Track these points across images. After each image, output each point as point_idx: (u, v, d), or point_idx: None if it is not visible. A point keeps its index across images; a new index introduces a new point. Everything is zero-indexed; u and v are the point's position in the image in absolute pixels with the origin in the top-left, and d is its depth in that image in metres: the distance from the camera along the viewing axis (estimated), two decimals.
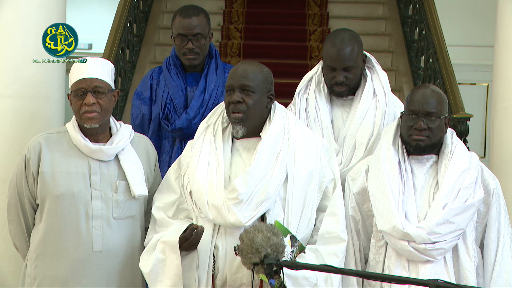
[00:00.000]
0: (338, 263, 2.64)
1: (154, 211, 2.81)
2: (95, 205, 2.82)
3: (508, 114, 4.16)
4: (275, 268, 2.32)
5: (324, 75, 3.13)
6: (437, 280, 2.08)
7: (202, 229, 2.59)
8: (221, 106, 2.78)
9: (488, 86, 7.86)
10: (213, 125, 2.76)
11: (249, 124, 2.68)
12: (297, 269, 2.46)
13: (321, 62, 3.18)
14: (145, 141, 3.04)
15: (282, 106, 2.82)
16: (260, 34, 7.00)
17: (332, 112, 3.14)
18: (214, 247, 2.63)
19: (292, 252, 2.61)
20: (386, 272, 2.73)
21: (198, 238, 2.59)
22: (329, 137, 3.05)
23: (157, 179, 3.04)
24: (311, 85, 3.18)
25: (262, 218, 2.63)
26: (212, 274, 2.63)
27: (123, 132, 2.91)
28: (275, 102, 2.77)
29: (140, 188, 2.87)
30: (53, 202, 2.81)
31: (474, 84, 8.15)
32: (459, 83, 5.56)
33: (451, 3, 7.76)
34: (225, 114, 2.75)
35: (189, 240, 2.59)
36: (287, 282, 2.52)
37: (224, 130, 2.76)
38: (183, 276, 2.61)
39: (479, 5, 7.75)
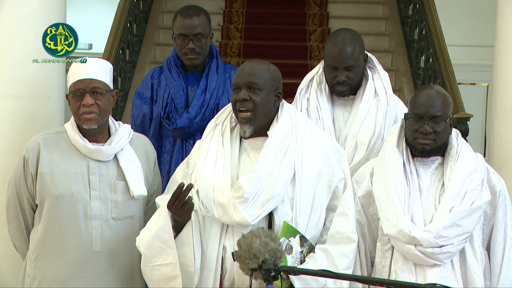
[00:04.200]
0: (348, 263, 2.63)
1: (158, 200, 2.77)
2: (94, 206, 2.81)
3: (508, 114, 4.16)
4: (273, 274, 2.31)
5: (326, 75, 3.13)
6: (435, 284, 2.07)
7: (191, 186, 2.54)
8: (230, 106, 2.76)
9: (488, 86, 7.86)
10: (221, 124, 2.75)
11: (256, 123, 2.65)
12: (295, 274, 2.45)
13: (322, 62, 3.18)
14: (144, 141, 3.03)
15: (290, 105, 2.80)
16: (260, 34, 7.01)
17: (333, 111, 3.14)
18: (222, 248, 2.62)
19: (301, 252, 2.60)
20: (393, 276, 2.71)
21: (185, 195, 2.53)
22: (331, 137, 3.05)
23: (156, 179, 3.04)
24: (312, 85, 3.18)
25: (270, 216, 2.61)
26: (220, 275, 2.62)
27: (122, 132, 2.91)
28: (283, 101, 2.75)
29: (139, 188, 2.87)
30: (52, 202, 2.81)
31: (474, 84, 8.16)
32: (459, 83, 5.57)
33: (451, 3, 7.76)
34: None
35: (179, 198, 2.52)
36: (296, 283, 2.52)
37: (232, 129, 2.74)
38: (179, 252, 2.58)
39: (479, 5, 7.76)
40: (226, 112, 2.78)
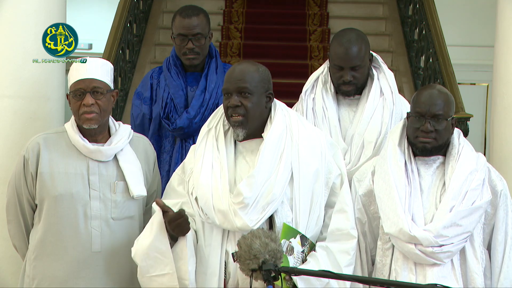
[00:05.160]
0: (349, 260, 2.63)
1: (155, 206, 2.75)
2: (93, 206, 2.81)
3: (508, 114, 4.16)
4: (274, 274, 2.31)
5: (331, 75, 3.13)
6: (436, 284, 2.07)
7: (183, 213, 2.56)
8: (221, 108, 2.75)
9: (488, 86, 7.86)
10: (215, 128, 2.73)
11: (249, 127, 2.64)
12: (295, 275, 2.45)
13: (327, 61, 3.18)
14: (144, 141, 3.03)
15: (283, 104, 2.78)
16: (260, 34, 7.00)
17: (338, 111, 3.14)
18: (225, 252, 2.61)
19: (303, 251, 2.60)
20: (393, 275, 2.71)
21: (184, 219, 2.55)
22: (337, 136, 3.05)
23: (156, 179, 3.04)
24: (318, 84, 3.18)
25: (270, 219, 2.61)
26: (224, 279, 2.61)
27: (122, 133, 2.91)
28: (275, 100, 2.73)
29: (138, 189, 2.87)
30: (52, 202, 2.81)
31: (474, 84, 8.15)
32: (459, 83, 5.57)
33: (451, 3, 7.76)
34: None
35: (177, 222, 2.54)
36: (299, 283, 2.52)
37: (225, 133, 2.72)
38: (174, 265, 2.57)
39: (479, 5, 7.75)
40: (218, 115, 2.76)
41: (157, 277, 2.58)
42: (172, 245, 2.59)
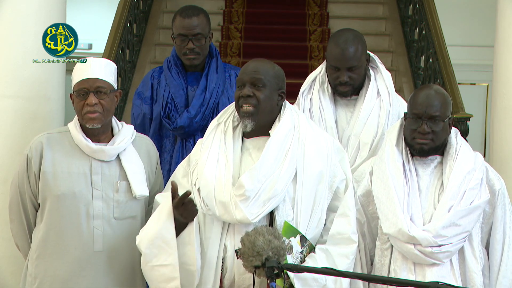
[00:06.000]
0: (348, 264, 2.63)
1: (157, 197, 2.78)
2: (96, 205, 2.82)
3: (508, 114, 4.16)
4: (276, 271, 2.32)
5: (328, 75, 3.13)
6: (438, 282, 2.07)
7: (189, 193, 2.56)
8: (233, 105, 2.77)
9: (488, 86, 7.86)
10: (224, 123, 2.76)
11: (258, 119, 2.66)
12: (298, 272, 2.46)
13: (325, 62, 3.18)
14: (147, 142, 3.04)
15: (293, 106, 2.81)
16: (260, 34, 7.01)
17: (336, 112, 3.14)
18: (223, 247, 2.62)
19: (302, 252, 2.60)
20: (392, 275, 2.71)
21: (189, 201, 2.56)
22: (334, 137, 3.05)
23: (158, 180, 3.04)
24: (315, 85, 3.18)
25: (271, 215, 2.62)
26: (221, 274, 2.62)
27: (125, 133, 2.92)
28: (286, 101, 2.75)
29: (141, 189, 2.87)
30: (54, 201, 2.81)
31: (474, 84, 8.15)
32: (459, 83, 5.57)
33: (451, 3, 7.76)
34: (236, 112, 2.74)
35: (186, 202, 2.55)
36: (296, 283, 2.52)
37: (234, 128, 2.75)
38: (180, 251, 2.58)
39: (479, 5, 7.75)
40: (229, 111, 2.79)
41: (159, 267, 2.59)
42: (177, 235, 2.60)
